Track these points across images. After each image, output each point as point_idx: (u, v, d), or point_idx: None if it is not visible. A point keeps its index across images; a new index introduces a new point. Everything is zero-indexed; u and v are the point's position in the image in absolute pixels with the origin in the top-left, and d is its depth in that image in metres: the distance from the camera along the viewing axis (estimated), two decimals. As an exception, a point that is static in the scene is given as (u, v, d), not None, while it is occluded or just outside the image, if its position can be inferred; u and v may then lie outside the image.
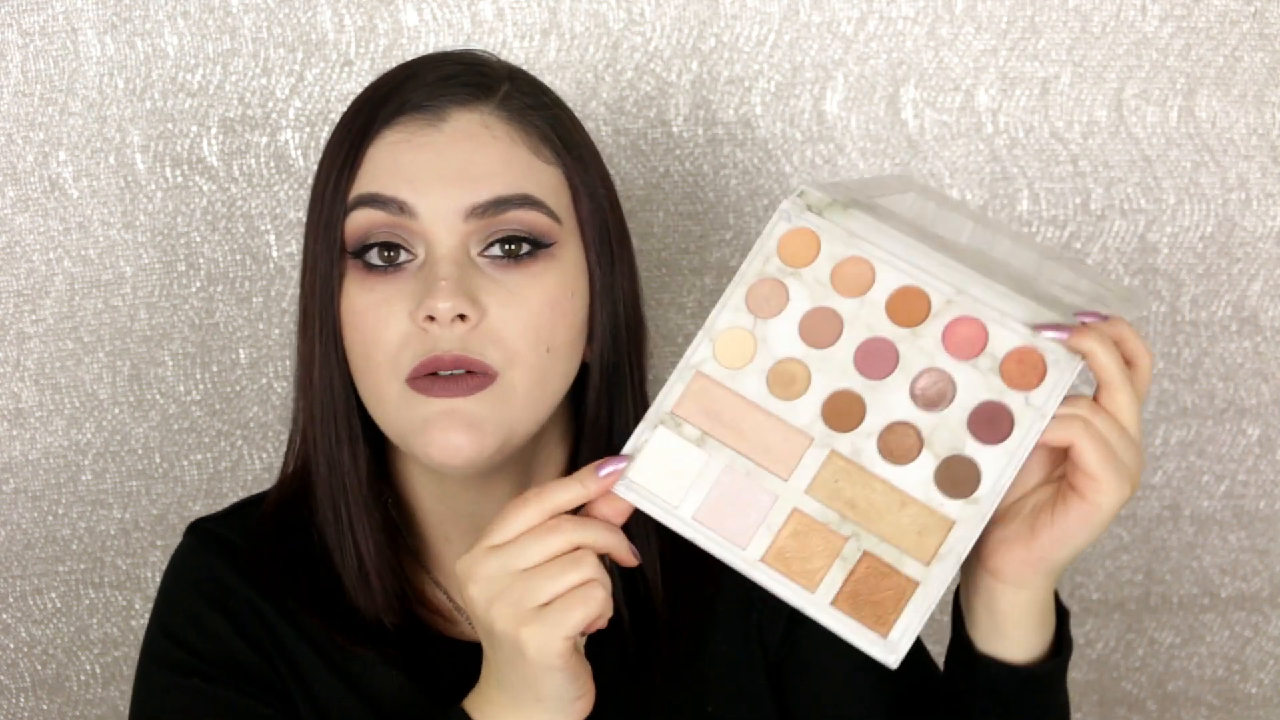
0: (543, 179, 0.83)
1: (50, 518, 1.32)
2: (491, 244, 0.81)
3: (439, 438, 0.80)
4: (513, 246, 0.81)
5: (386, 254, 0.81)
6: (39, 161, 1.26)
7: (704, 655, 0.91)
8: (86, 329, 1.29)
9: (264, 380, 1.31)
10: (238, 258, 1.28)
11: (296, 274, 1.28)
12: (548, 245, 0.82)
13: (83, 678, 1.35)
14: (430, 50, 1.25)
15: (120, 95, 1.25)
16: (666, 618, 0.89)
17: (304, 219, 1.27)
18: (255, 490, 1.31)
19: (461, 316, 0.78)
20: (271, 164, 1.27)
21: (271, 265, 1.29)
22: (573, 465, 0.90)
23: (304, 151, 1.27)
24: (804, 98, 1.29)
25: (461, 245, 0.80)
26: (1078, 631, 1.42)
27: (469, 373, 0.80)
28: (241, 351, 1.30)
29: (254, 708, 0.85)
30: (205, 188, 1.27)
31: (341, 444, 0.85)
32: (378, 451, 0.89)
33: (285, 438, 1.32)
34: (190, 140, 1.26)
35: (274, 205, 1.27)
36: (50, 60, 1.24)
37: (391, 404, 0.81)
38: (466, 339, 0.79)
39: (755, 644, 0.92)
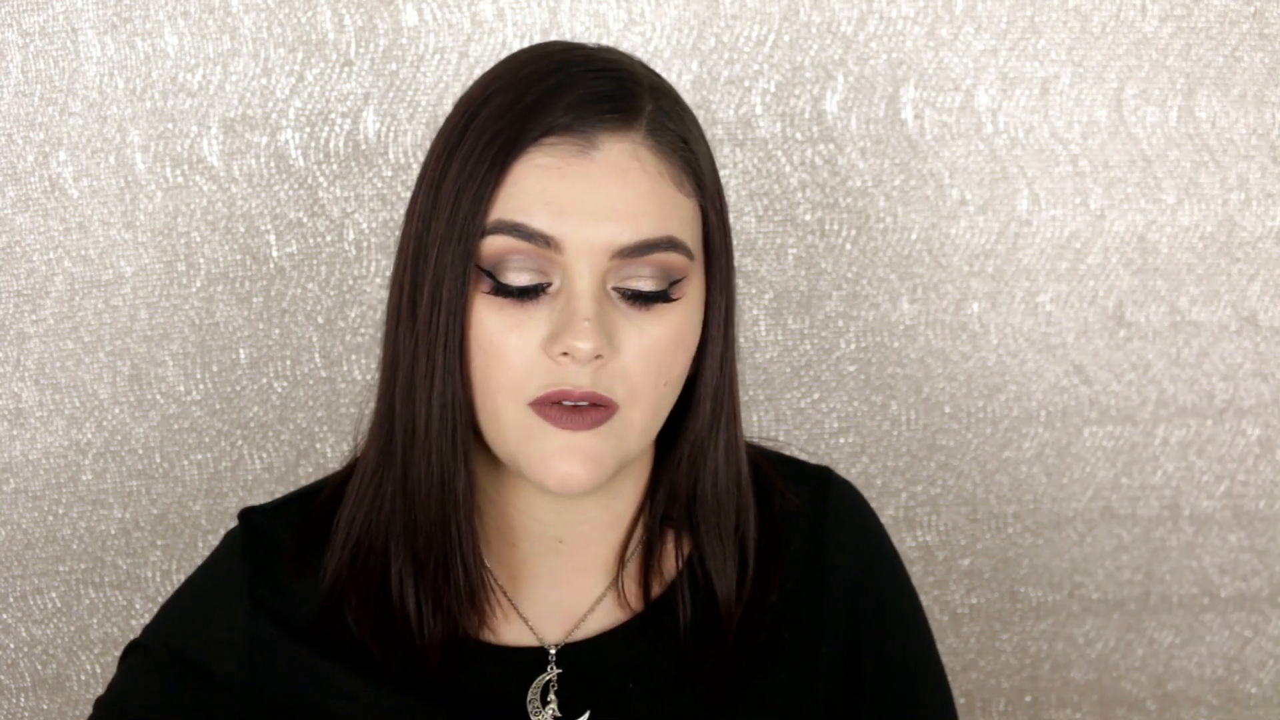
0: (683, 216, 0.82)
1: (50, 518, 1.32)
2: (629, 282, 0.80)
3: (559, 468, 0.80)
4: (649, 285, 0.81)
5: (523, 279, 0.80)
6: (39, 161, 1.26)
7: (765, 677, 0.91)
8: (86, 329, 1.29)
9: (264, 380, 1.31)
10: (238, 258, 1.28)
11: (296, 274, 1.29)
12: (678, 281, 0.82)
13: (83, 678, 1.35)
14: (437, 46, 1.26)
15: (120, 95, 1.25)
16: (733, 635, 0.89)
17: (304, 219, 1.28)
18: (255, 490, 1.32)
19: (597, 355, 0.79)
20: (271, 164, 1.27)
21: (271, 265, 1.29)
22: (656, 476, 0.91)
23: (304, 151, 1.27)
24: (804, 98, 1.29)
25: (601, 281, 0.79)
26: (1078, 631, 1.42)
27: (592, 405, 0.80)
28: (241, 351, 1.30)
29: None
30: (205, 188, 1.27)
31: (458, 461, 0.84)
32: None
33: (285, 438, 1.32)
34: (190, 140, 1.26)
35: (274, 205, 1.27)
36: (50, 60, 1.24)
37: (510, 426, 0.81)
38: (596, 375, 0.79)
39: (820, 677, 0.92)
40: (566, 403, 0.80)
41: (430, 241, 0.82)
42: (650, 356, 0.81)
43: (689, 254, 0.81)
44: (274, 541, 0.91)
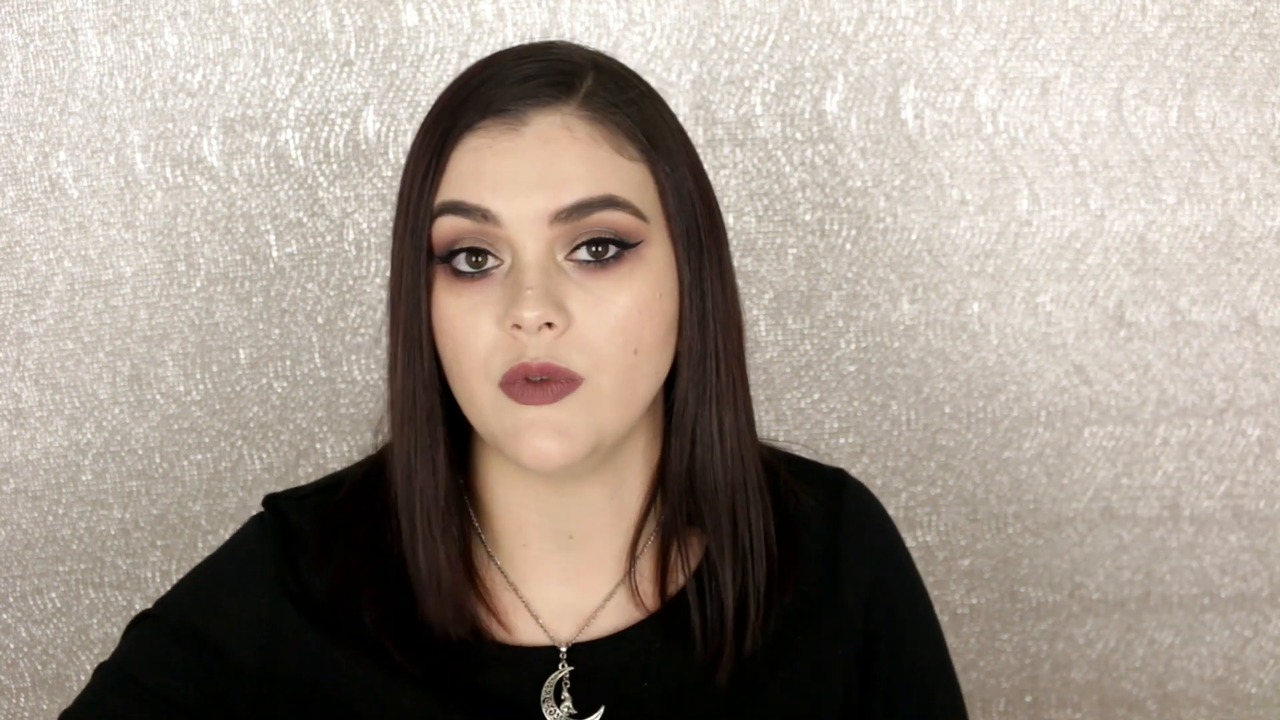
0: (627, 177, 0.81)
1: (50, 518, 1.32)
2: (577, 247, 0.80)
3: (529, 444, 0.80)
4: (599, 249, 0.80)
5: (473, 260, 0.81)
6: (39, 161, 1.26)
7: (781, 677, 0.91)
8: (86, 329, 1.29)
9: (264, 380, 1.31)
10: (238, 258, 1.28)
11: (296, 274, 1.29)
12: (634, 245, 0.81)
13: (83, 678, 1.35)
14: (436, 46, 1.26)
15: (120, 95, 1.25)
16: (746, 635, 0.90)
17: (304, 219, 1.28)
18: (255, 490, 1.32)
19: (548, 324, 0.79)
20: (271, 164, 1.27)
21: (271, 265, 1.29)
22: (664, 463, 0.90)
23: (304, 151, 1.27)
24: (804, 98, 1.29)
25: (547, 250, 0.80)
26: (1078, 631, 1.42)
27: (554, 380, 0.80)
28: (241, 351, 1.30)
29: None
30: (205, 188, 1.27)
31: (419, 454, 0.85)
32: (464, 447, 0.90)
33: (285, 438, 1.32)
34: (190, 140, 1.26)
35: (274, 205, 1.27)
36: (50, 60, 1.24)
37: (487, 407, 0.82)
38: (553, 346, 0.79)
39: (836, 677, 0.93)
40: (531, 379, 0.80)
41: (394, 239, 0.84)
42: (610, 322, 0.80)
43: (638, 214, 0.81)
44: (299, 530, 0.91)
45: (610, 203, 0.80)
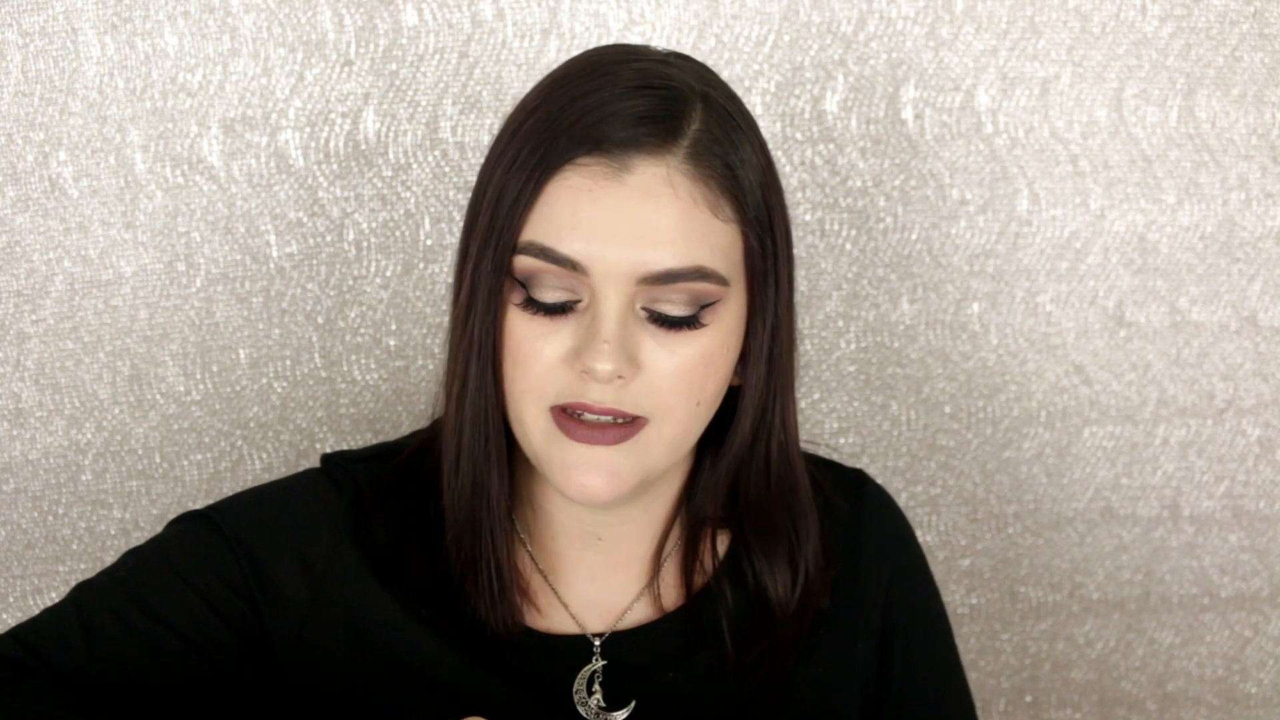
0: (718, 242, 0.81)
1: (50, 518, 1.32)
2: (657, 305, 0.80)
3: (577, 479, 0.81)
4: (678, 312, 0.81)
5: (553, 296, 0.81)
6: (39, 161, 1.25)
7: (804, 671, 0.93)
8: (86, 329, 1.29)
9: (264, 380, 1.31)
10: (238, 258, 1.28)
11: (296, 274, 1.29)
12: (710, 305, 0.81)
13: (83, 678, 1.35)
14: (436, 46, 1.26)
15: (120, 95, 1.25)
16: (785, 634, 0.91)
17: (304, 219, 1.28)
18: (255, 490, 1.32)
19: (618, 375, 0.79)
20: (271, 164, 1.27)
21: (271, 265, 1.29)
22: (693, 477, 0.92)
23: (304, 151, 1.27)
24: (804, 98, 1.29)
25: (629, 303, 0.80)
26: (1078, 631, 1.42)
27: (615, 421, 0.80)
28: (241, 351, 1.30)
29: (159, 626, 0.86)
30: (205, 188, 1.27)
31: (490, 470, 0.86)
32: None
33: (285, 438, 1.32)
34: (190, 140, 1.26)
35: (274, 205, 1.27)
36: (50, 60, 1.24)
37: (534, 430, 0.82)
38: (620, 393, 0.80)
39: (855, 672, 0.95)
40: (589, 416, 0.80)
41: (472, 245, 0.83)
42: (679, 375, 0.81)
43: (721, 281, 0.81)
44: (358, 488, 0.92)
45: (697, 274, 0.79)
